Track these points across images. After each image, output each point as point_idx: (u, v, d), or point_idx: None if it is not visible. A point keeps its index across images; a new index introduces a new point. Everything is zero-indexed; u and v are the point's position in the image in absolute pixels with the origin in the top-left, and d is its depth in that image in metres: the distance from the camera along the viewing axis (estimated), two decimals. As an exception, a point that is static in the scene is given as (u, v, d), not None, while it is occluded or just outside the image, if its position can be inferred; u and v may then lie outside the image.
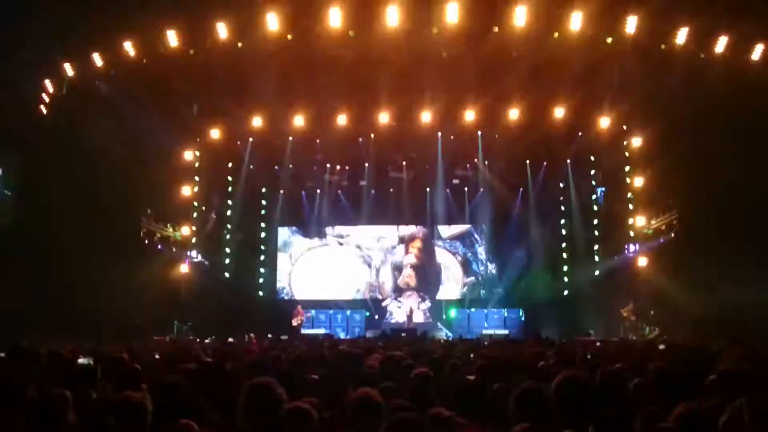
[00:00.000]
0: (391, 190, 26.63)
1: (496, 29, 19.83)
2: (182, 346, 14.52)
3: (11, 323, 16.83)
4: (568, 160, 25.27)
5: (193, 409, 4.16)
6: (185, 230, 24.72)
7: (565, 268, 26.10)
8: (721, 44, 19.22)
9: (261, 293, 26.96)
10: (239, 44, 20.51)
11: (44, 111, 20.57)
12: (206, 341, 18.75)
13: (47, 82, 20.40)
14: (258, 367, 6.51)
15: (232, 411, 3.86)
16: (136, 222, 21.69)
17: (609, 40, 19.81)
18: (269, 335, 20.03)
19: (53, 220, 19.40)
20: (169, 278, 24.02)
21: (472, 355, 10.12)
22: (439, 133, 24.59)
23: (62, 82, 20.56)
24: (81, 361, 8.30)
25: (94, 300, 20.08)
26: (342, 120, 23.74)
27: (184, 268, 24.45)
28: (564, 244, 26.29)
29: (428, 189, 26.56)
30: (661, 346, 11.72)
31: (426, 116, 23.40)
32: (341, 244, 27.25)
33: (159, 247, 23.11)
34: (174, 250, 24.11)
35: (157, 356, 9.41)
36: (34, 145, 18.90)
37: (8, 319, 17.06)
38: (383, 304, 26.22)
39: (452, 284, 26.61)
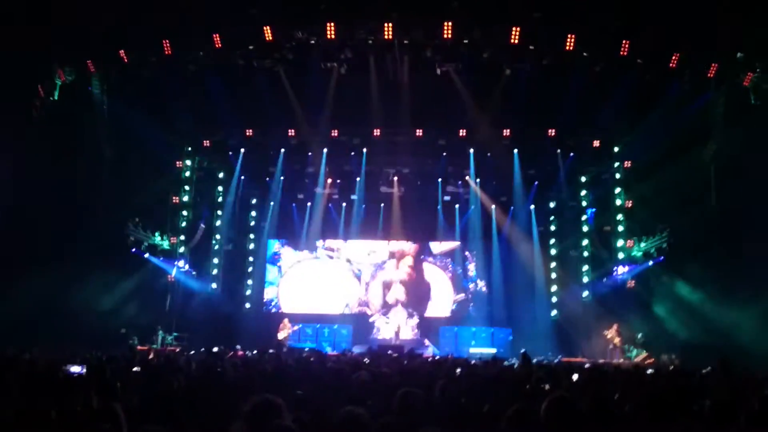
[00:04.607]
0: (382, 205, 26.58)
1: (490, 47, 20.05)
2: (167, 356, 14.31)
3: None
4: (560, 181, 25.31)
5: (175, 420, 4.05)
6: (173, 239, 24.56)
7: (554, 288, 26.06)
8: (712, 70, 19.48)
9: (248, 305, 26.74)
10: (234, 55, 20.59)
11: (37, 116, 20.42)
12: (191, 353, 18.54)
13: (41, 87, 20.27)
14: None
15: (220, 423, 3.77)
16: (123, 229, 21.51)
17: (601, 62, 20.06)
18: (254, 351, 19.80)
19: (41, 226, 19.22)
20: (156, 287, 23.82)
21: (458, 370, 10.02)
22: (431, 150, 24.68)
23: (55, 88, 20.45)
24: (74, 369, 8.15)
25: (78, 307, 19.88)
26: (334, 133, 23.78)
27: (171, 278, 24.26)
28: (553, 265, 26.28)
29: (419, 205, 26.51)
30: (649, 370, 11.65)
31: (418, 132, 23.47)
32: (331, 257, 27.14)
33: (146, 255, 22.90)
34: (161, 258, 23.92)
35: (137, 369, 9.23)
36: (24, 151, 18.75)
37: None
38: (371, 319, 26.05)
39: (442, 301, 26.50)
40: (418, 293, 26.49)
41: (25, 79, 19.48)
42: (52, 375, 6.45)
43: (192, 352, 18.17)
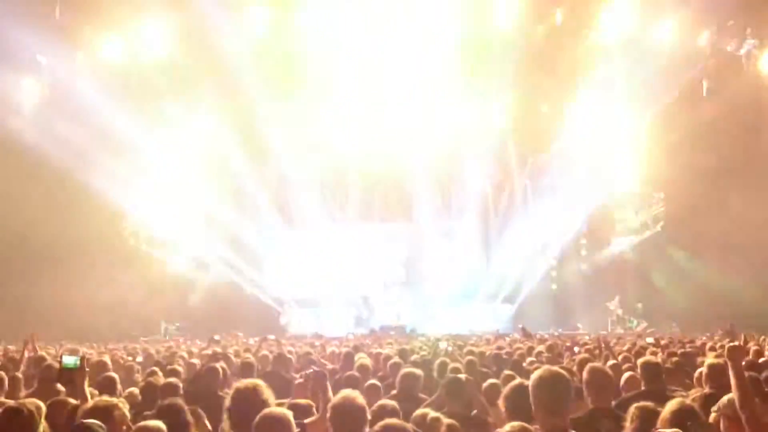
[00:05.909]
0: (379, 186, 26.50)
1: (480, 26, 20.01)
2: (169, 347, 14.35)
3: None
4: (555, 155, 25.23)
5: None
6: (171, 229, 24.52)
7: (553, 262, 26.09)
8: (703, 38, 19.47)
9: (249, 292, 26.70)
10: (224, 42, 20.49)
11: (25, 110, 20.34)
12: (196, 341, 18.59)
13: (27, 81, 20.20)
14: None
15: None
16: (120, 222, 21.46)
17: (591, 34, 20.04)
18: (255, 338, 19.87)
19: (37, 222, 19.19)
20: (155, 278, 23.80)
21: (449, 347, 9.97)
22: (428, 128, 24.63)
23: (42, 81, 20.36)
24: (66, 359, 8.13)
25: (79, 301, 19.91)
26: (328, 115, 23.71)
27: (169, 268, 24.26)
28: (551, 239, 26.26)
29: (415, 185, 26.43)
30: (649, 339, 11.71)
31: (413, 111, 23.40)
32: (329, 241, 27.09)
33: (144, 246, 22.86)
34: (161, 250, 23.89)
35: (139, 360, 9.28)
36: (15, 145, 18.69)
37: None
38: (372, 301, 26.08)
39: (441, 280, 26.50)
40: (417, 273, 26.51)
41: (12, 74, 19.35)
42: (50, 368, 6.44)
43: (195, 341, 18.21)
